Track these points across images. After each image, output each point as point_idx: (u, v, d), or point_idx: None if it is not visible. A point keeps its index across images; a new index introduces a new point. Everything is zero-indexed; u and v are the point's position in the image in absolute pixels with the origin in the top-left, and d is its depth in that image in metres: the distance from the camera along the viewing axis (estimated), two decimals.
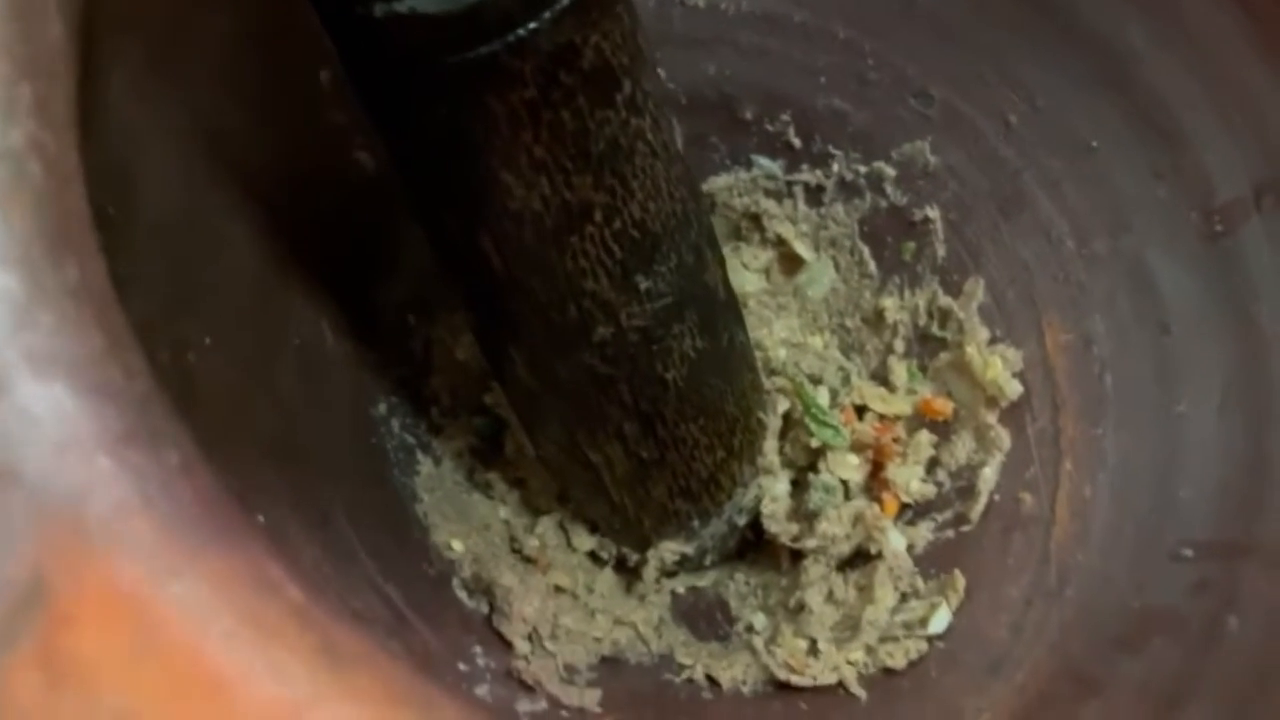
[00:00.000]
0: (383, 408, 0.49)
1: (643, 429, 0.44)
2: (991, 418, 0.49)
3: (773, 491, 0.50)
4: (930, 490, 0.49)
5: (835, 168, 0.54)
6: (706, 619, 0.51)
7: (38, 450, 0.19)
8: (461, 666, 0.41)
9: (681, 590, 0.53)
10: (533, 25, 0.30)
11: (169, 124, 0.39)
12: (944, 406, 0.51)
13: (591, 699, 0.43)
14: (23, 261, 0.21)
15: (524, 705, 0.41)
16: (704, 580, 0.54)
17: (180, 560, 0.19)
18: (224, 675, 0.18)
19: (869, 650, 0.45)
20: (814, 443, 0.50)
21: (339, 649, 0.20)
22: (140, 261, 0.36)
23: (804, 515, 0.49)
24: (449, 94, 0.32)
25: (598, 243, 0.37)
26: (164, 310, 0.36)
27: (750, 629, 0.49)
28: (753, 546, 0.53)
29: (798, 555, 0.50)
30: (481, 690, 0.41)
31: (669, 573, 0.52)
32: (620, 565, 0.52)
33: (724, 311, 0.45)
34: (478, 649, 0.43)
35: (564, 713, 0.42)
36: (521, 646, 0.45)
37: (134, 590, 0.18)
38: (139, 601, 0.18)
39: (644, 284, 0.39)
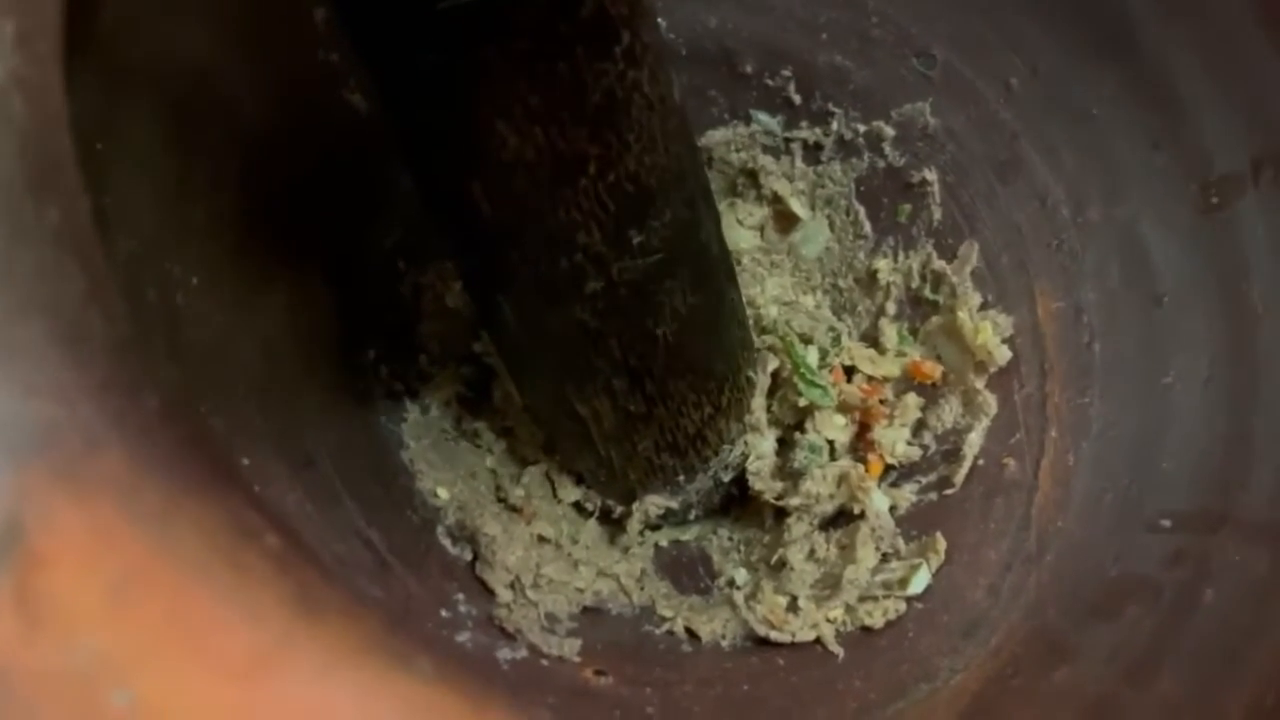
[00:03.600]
0: (371, 354, 0.49)
1: (631, 384, 0.44)
2: (980, 383, 0.49)
3: (759, 449, 0.50)
4: (915, 453, 0.49)
5: (834, 126, 0.53)
6: (688, 572, 0.52)
7: (13, 392, 0.19)
8: (443, 613, 0.41)
9: (664, 543, 0.53)
10: None
11: (159, 60, 0.38)
12: (933, 370, 0.51)
13: (571, 648, 0.44)
14: (3, 202, 0.20)
15: (504, 653, 0.42)
16: (687, 534, 0.54)
17: (158, 504, 0.19)
18: (199, 618, 0.18)
19: (848, 609, 0.45)
20: (802, 402, 0.50)
21: (315, 596, 0.20)
22: (128, 199, 0.36)
23: (789, 474, 0.49)
24: (443, 41, 0.31)
25: (591, 196, 0.36)
26: (152, 249, 0.36)
27: (732, 584, 0.50)
28: (737, 502, 0.54)
29: (781, 513, 0.51)
30: (462, 637, 0.41)
31: (653, 526, 0.52)
32: (605, 517, 0.52)
33: (717, 268, 0.44)
34: (460, 596, 0.43)
35: (544, 661, 0.43)
36: (504, 595, 0.45)
37: (111, 530, 0.18)
38: (116, 543, 0.18)
39: (636, 238, 0.39)
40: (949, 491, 0.48)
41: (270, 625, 0.18)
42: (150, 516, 0.18)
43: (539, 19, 0.31)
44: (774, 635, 0.45)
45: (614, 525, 0.52)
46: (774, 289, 0.57)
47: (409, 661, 0.19)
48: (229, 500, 0.20)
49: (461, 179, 0.36)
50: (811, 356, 0.52)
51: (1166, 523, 0.41)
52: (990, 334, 0.48)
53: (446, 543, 0.46)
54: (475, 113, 0.33)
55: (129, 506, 0.18)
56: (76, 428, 0.19)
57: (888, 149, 0.53)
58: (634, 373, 0.44)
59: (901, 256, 0.53)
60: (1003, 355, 0.48)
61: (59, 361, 0.19)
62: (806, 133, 0.54)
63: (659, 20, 0.51)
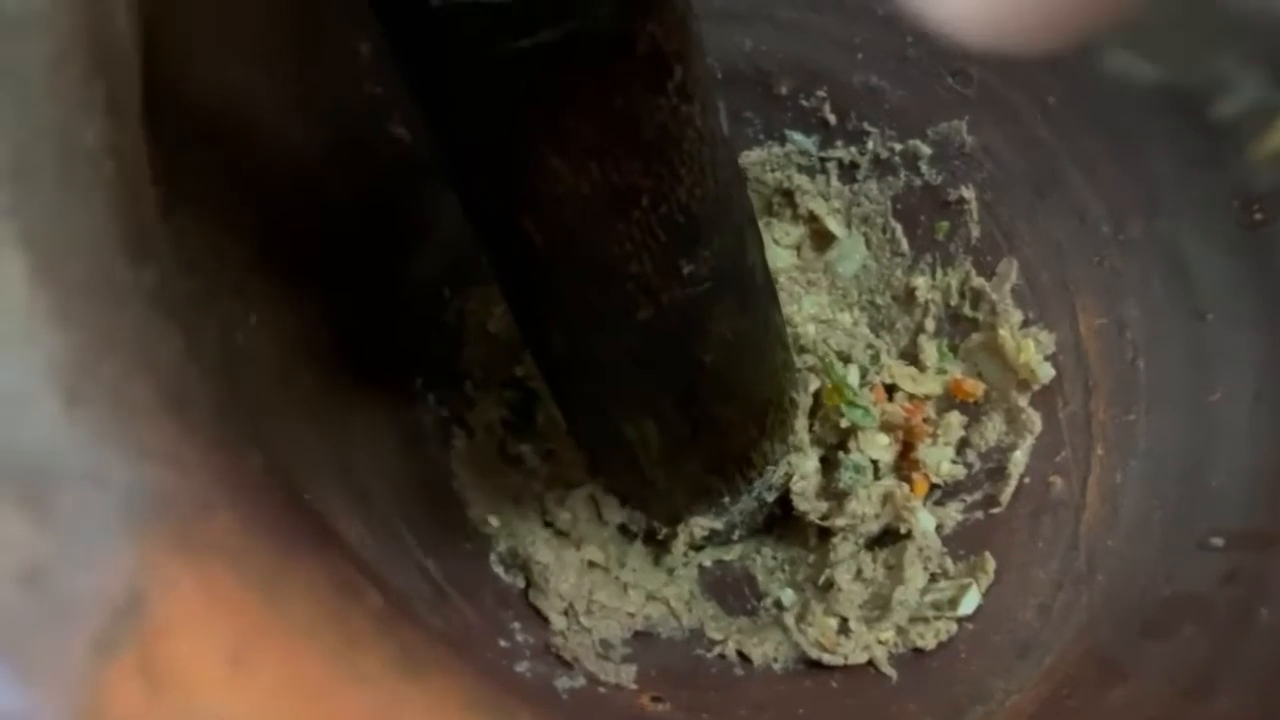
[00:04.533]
0: (419, 382, 0.49)
1: (678, 408, 0.44)
2: (1023, 400, 0.49)
3: (802, 469, 0.50)
4: (960, 471, 0.50)
5: (870, 145, 0.53)
6: (734, 592, 0.52)
7: (128, 456, 0.19)
8: (502, 643, 0.42)
9: (708, 563, 0.54)
10: (589, 14, 0.30)
11: (211, 99, 0.39)
12: (974, 387, 0.51)
13: (628, 675, 0.44)
14: (103, 265, 0.21)
15: (563, 682, 0.42)
16: (730, 554, 0.54)
17: (268, 566, 0.19)
18: (313, 682, 0.18)
19: (899, 630, 0.46)
20: (844, 422, 0.50)
21: (417, 656, 0.20)
22: (187, 240, 0.36)
23: (833, 494, 0.50)
24: (502, 82, 0.31)
25: (643, 227, 0.37)
26: (212, 288, 0.36)
27: (779, 605, 0.50)
28: (779, 521, 0.54)
29: (825, 532, 0.51)
30: (521, 667, 0.41)
31: (696, 546, 0.53)
32: (649, 537, 0.52)
33: (762, 293, 0.45)
34: (516, 625, 0.43)
35: (601, 689, 0.43)
36: (558, 622, 0.45)
37: (228, 596, 0.18)
38: (231, 608, 0.18)
39: (686, 268, 0.39)
40: (995, 510, 0.48)
41: (380, 687, 0.19)
42: (262, 580, 0.19)
43: (596, 59, 0.31)
44: (826, 658, 0.46)
45: (658, 545, 0.53)
46: (811, 307, 0.57)
47: (512, 715, 0.20)
48: (331, 558, 0.20)
49: (514, 212, 0.37)
50: (852, 376, 0.53)
51: (1218, 541, 0.41)
52: (1033, 352, 0.48)
53: (499, 570, 0.46)
54: (530, 150, 0.34)
55: (241, 570, 0.19)
56: (189, 491, 0.19)
57: (924, 167, 0.53)
58: (681, 398, 0.44)
59: (940, 274, 0.53)
60: (1046, 373, 0.48)
61: (168, 423, 0.20)
62: (842, 152, 0.54)
63: None
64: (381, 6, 0.32)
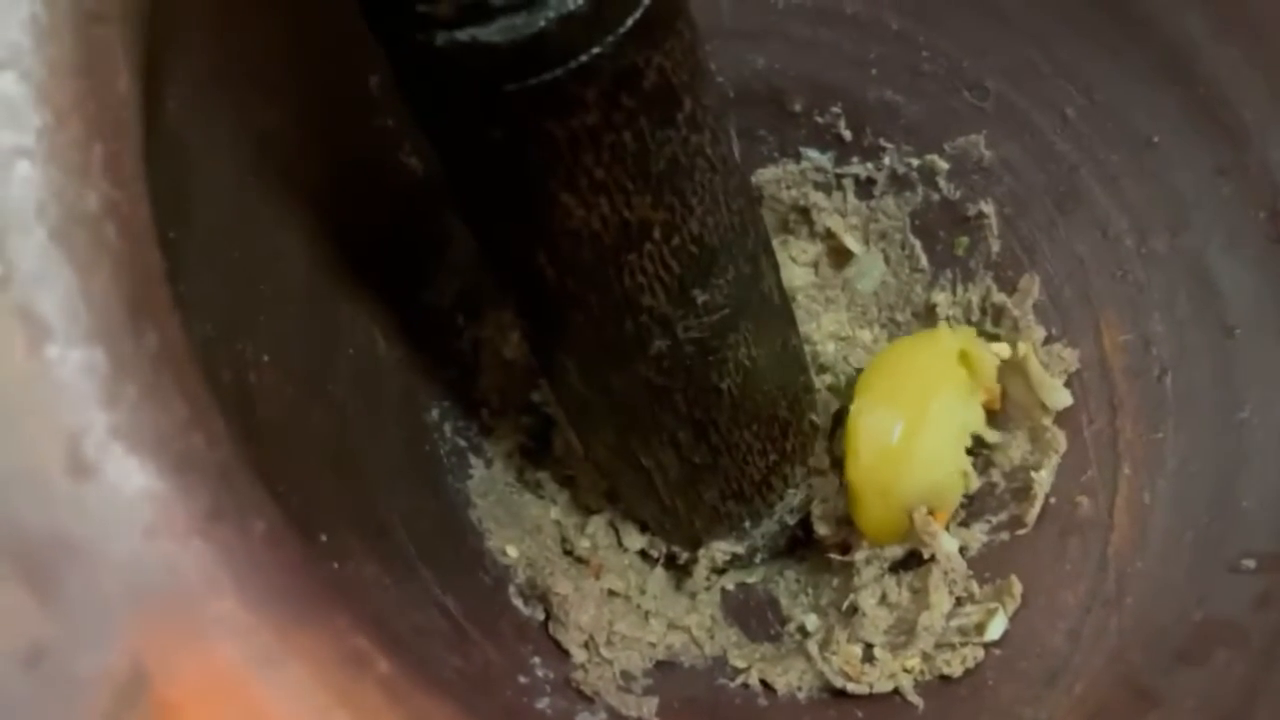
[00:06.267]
0: (435, 413, 0.49)
1: (696, 436, 0.44)
2: (1047, 419, 0.48)
3: (823, 492, 0.49)
4: (976, 482, 0.48)
5: (886, 160, 0.53)
6: (757, 617, 0.52)
7: (130, 532, 0.19)
8: (521, 679, 0.41)
9: (731, 587, 0.53)
10: (596, 51, 0.30)
11: (219, 138, 0.39)
12: (991, 390, 0.50)
13: (649, 708, 0.44)
14: (105, 332, 0.21)
15: (584, 718, 0.42)
16: (753, 577, 0.54)
17: (273, 641, 0.19)
18: None
19: (925, 657, 0.45)
20: None
21: None
22: (200, 282, 0.36)
23: None
24: (509, 119, 0.31)
25: (656, 259, 0.36)
26: (225, 330, 0.36)
27: (803, 630, 0.49)
28: (802, 544, 0.53)
29: (848, 553, 0.50)
30: (542, 704, 0.41)
31: (719, 570, 0.52)
32: (670, 562, 0.52)
33: (778, 317, 0.44)
34: (535, 660, 0.43)
35: None
36: (579, 655, 0.45)
37: (232, 675, 0.18)
38: (237, 686, 0.18)
39: (701, 297, 0.39)
40: (1021, 531, 0.47)
41: None
42: (266, 656, 0.18)
43: (603, 94, 0.31)
44: (851, 687, 0.45)
45: (679, 570, 0.52)
46: (830, 325, 0.56)
47: None
48: (338, 624, 0.20)
49: (526, 247, 0.36)
50: None
51: (1250, 563, 0.40)
52: (1050, 383, 0.47)
53: (519, 603, 0.46)
54: (540, 186, 0.33)
55: (245, 648, 0.18)
56: (191, 567, 0.19)
57: (942, 182, 0.52)
58: (699, 425, 0.43)
59: (960, 290, 0.53)
60: (1062, 400, 0.47)
61: (171, 496, 0.19)
62: (858, 168, 0.54)
63: None
64: (388, 44, 0.32)
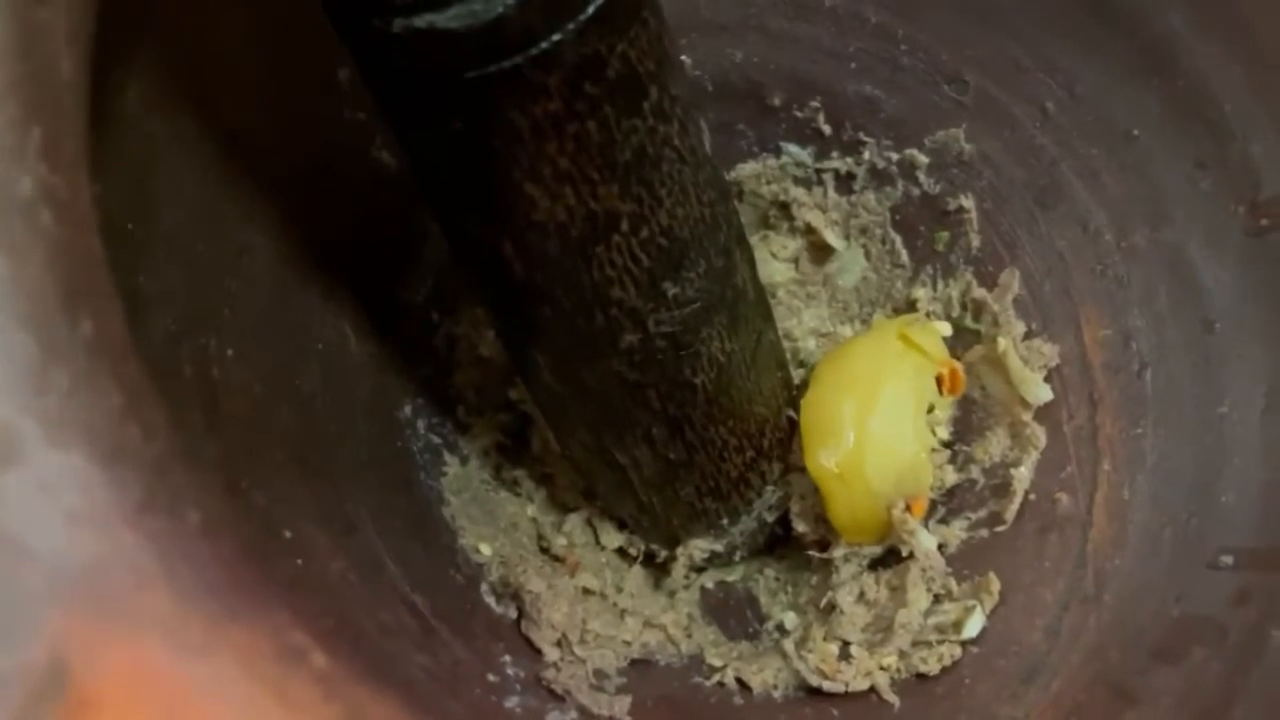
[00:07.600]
0: (408, 409, 0.48)
1: (671, 432, 0.43)
2: (1027, 414, 0.47)
3: (801, 489, 0.49)
4: (953, 477, 0.48)
5: (866, 155, 0.52)
6: (736, 616, 0.51)
7: (55, 523, 0.18)
8: (490, 678, 0.41)
9: (710, 585, 0.53)
10: (556, 37, 0.29)
11: (185, 129, 0.38)
12: (947, 363, 0.49)
13: (621, 707, 0.43)
14: (37, 318, 0.20)
15: (554, 716, 0.41)
16: (733, 575, 0.53)
17: (202, 634, 0.18)
18: None
19: (902, 655, 0.44)
20: None
21: (365, 714, 0.19)
22: (161, 275, 0.36)
23: None
24: (470, 107, 0.31)
25: (624, 252, 0.36)
26: (188, 325, 0.36)
27: (781, 629, 0.49)
28: (781, 541, 0.53)
29: (826, 550, 0.50)
30: (511, 702, 0.40)
31: (698, 568, 0.52)
32: (648, 560, 0.51)
33: (753, 311, 0.44)
34: (506, 658, 0.42)
35: None
36: (550, 654, 0.44)
37: (156, 670, 0.18)
38: (162, 681, 0.18)
39: (672, 290, 0.38)
40: (1000, 528, 0.47)
41: None
42: (194, 650, 0.18)
43: (565, 82, 0.30)
44: (827, 686, 0.44)
45: (658, 569, 0.52)
46: (811, 321, 0.56)
47: None
48: (273, 619, 0.19)
49: (493, 239, 0.36)
50: None
51: (1228, 560, 0.40)
52: (1030, 378, 0.47)
53: (491, 601, 0.46)
54: (504, 176, 0.33)
55: (172, 641, 0.18)
56: (119, 560, 0.18)
57: (922, 177, 0.52)
58: (674, 421, 0.43)
59: (941, 285, 0.52)
60: (1043, 395, 0.47)
61: (100, 486, 0.19)
62: (838, 163, 0.53)
63: (683, 58, 0.50)
64: (346, 32, 0.31)
